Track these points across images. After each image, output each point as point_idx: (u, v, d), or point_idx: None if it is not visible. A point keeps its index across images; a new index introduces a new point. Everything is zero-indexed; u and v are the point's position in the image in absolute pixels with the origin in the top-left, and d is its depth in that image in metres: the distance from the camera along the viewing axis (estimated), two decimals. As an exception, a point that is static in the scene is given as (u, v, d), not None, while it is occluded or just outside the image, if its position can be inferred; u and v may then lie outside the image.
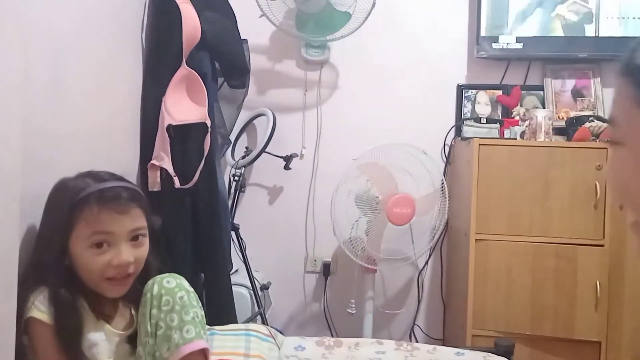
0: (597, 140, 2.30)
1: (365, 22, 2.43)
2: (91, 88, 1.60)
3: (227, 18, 2.16)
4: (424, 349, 1.79)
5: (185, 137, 1.95)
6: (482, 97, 2.68)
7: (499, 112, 2.64)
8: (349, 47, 2.64)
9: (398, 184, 2.28)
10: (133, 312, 1.29)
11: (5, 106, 1.03)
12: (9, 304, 1.06)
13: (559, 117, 2.58)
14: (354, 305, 2.47)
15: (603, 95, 2.60)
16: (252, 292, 2.33)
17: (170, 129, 1.90)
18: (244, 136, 2.74)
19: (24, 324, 1.14)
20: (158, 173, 1.91)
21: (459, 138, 2.57)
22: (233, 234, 2.35)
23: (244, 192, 2.65)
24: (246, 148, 2.69)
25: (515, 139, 2.39)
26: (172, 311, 1.19)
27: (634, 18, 2.50)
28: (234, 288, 2.19)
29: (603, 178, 2.19)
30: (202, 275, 2.07)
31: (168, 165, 1.90)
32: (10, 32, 1.06)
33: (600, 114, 2.55)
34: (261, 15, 2.43)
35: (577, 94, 2.62)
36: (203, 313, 1.25)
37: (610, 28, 2.51)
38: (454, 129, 2.66)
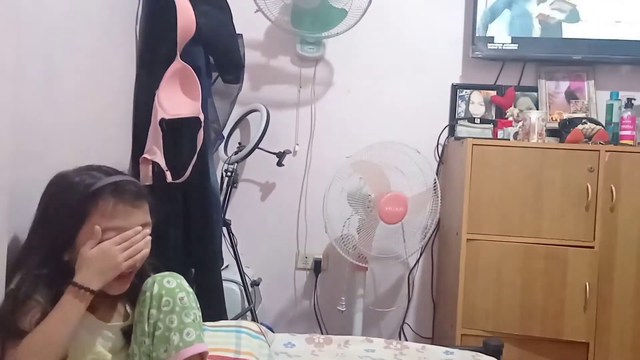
0: (590, 142, 2.31)
1: (361, 20, 2.43)
2: (84, 80, 1.59)
3: (222, 12, 2.14)
4: (413, 348, 1.80)
5: (178, 131, 1.93)
6: (476, 97, 2.68)
7: (493, 113, 2.65)
8: (344, 44, 2.64)
9: (391, 183, 2.28)
10: (128, 308, 1.26)
11: (-4, 97, 1.01)
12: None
13: (552, 118, 2.59)
14: (344, 303, 2.47)
15: (596, 98, 2.61)
16: (242, 288, 2.33)
17: (163, 122, 1.89)
18: (237, 132, 2.73)
19: None
20: (150, 167, 1.89)
21: (453, 138, 2.57)
22: (224, 229, 2.34)
23: (236, 187, 2.64)
24: (239, 144, 2.68)
25: (509, 139, 2.40)
26: (172, 312, 1.17)
27: (629, 22, 2.51)
28: (225, 284, 2.18)
29: (595, 180, 2.20)
30: (193, 270, 2.06)
31: (160, 160, 1.89)
32: (2, 23, 1.05)
33: (594, 116, 2.56)
34: (257, 10, 2.42)
35: (570, 95, 2.63)
36: (201, 314, 1.24)
37: (604, 31, 2.53)
38: (447, 128, 2.67)
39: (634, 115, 2.38)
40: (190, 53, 1.99)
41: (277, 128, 2.63)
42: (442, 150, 2.68)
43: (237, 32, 2.28)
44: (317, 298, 2.74)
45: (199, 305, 1.24)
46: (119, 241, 1.15)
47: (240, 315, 2.26)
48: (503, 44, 2.58)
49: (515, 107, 2.59)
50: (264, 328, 1.73)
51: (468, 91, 2.69)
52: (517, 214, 2.23)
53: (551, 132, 2.49)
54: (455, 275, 2.27)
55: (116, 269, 1.15)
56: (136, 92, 1.99)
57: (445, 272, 2.56)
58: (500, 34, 2.59)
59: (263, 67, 2.74)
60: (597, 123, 2.41)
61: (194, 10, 1.97)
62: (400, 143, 2.33)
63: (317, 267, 2.73)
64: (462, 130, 2.50)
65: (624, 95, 2.48)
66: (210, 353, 1.36)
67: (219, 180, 2.45)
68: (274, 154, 2.61)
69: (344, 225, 2.35)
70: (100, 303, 1.21)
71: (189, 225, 2.02)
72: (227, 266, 2.40)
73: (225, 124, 2.55)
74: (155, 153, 1.89)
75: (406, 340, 2.68)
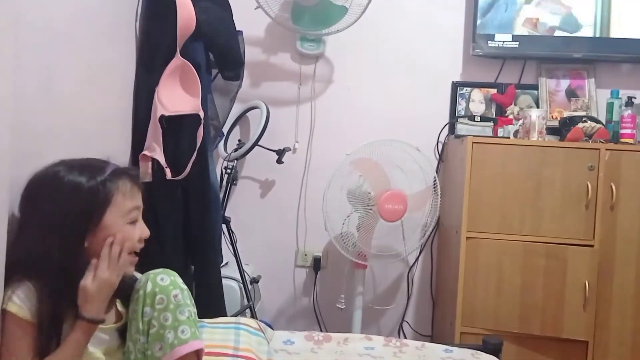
0: (590, 140, 2.31)
1: (361, 17, 2.42)
2: (83, 77, 1.58)
3: (222, 9, 2.13)
4: (412, 345, 1.80)
5: (177, 128, 1.93)
6: (477, 95, 2.67)
7: (493, 111, 2.64)
8: (345, 41, 2.63)
9: (391, 181, 2.28)
10: (120, 307, 1.26)
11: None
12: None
13: (552, 116, 2.58)
14: (343, 301, 2.47)
15: (597, 96, 2.60)
16: (241, 285, 2.33)
17: (162, 119, 1.88)
18: (236, 129, 2.73)
19: None
20: (150, 164, 1.89)
21: (453, 135, 2.57)
22: (224, 226, 2.34)
23: (235, 185, 2.64)
24: (239, 141, 2.68)
25: (509, 137, 2.40)
26: (166, 310, 1.17)
27: (630, 20, 2.51)
28: (224, 281, 2.18)
29: (595, 178, 2.20)
30: (192, 267, 2.06)
31: (160, 156, 1.89)
32: (2, 23, 1.04)
33: (594, 114, 2.56)
34: (257, 7, 2.42)
35: (571, 94, 2.63)
36: (195, 310, 1.23)
37: (605, 29, 2.52)
38: (447, 126, 2.66)
39: (635, 113, 2.38)
40: (190, 50, 1.98)
41: (277, 125, 2.63)
42: (442, 148, 2.68)
43: (238, 28, 2.27)
44: (316, 295, 2.74)
45: (194, 302, 1.24)
46: (109, 262, 1.16)
47: (240, 313, 2.25)
48: (504, 41, 2.58)
49: (515, 105, 2.59)
50: (263, 325, 1.73)
51: (468, 89, 2.68)
52: (517, 212, 2.23)
53: (551, 131, 2.49)
54: (455, 273, 2.27)
55: (113, 289, 1.18)
56: (136, 89, 1.98)
57: (445, 270, 2.56)
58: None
59: (263, 64, 2.73)
60: (598, 121, 2.40)
61: (194, 6, 1.96)
62: (400, 141, 2.33)
63: (317, 264, 2.73)
64: (462, 128, 2.50)
65: (624, 93, 2.48)
66: (209, 350, 1.36)
67: (218, 178, 2.45)
68: (274, 151, 2.61)
69: (343, 223, 2.35)
70: None
71: (189, 222, 2.02)
72: (226, 263, 2.40)
73: (225, 121, 2.54)
74: (154, 150, 1.88)
75: (405, 338, 2.68)
